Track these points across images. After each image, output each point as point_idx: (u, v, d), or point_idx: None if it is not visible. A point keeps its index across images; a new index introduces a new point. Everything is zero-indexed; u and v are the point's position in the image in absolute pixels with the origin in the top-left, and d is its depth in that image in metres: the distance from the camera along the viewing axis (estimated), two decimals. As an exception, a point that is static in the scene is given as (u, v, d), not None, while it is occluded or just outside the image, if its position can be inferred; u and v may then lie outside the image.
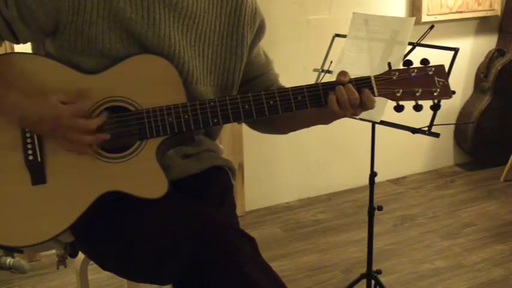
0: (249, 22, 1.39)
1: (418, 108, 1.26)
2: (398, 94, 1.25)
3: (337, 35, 2.08)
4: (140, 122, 1.23)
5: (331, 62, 1.97)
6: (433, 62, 1.26)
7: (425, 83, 1.25)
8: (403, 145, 3.36)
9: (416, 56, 1.38)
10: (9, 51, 2.08)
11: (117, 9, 1.23)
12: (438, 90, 1.25)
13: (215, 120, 1.24)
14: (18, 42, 1.27)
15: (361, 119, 1.80)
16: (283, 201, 3.16)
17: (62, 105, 1.18)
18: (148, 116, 1.23)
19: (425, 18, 3.12)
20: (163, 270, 1.18)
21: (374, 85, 1.25)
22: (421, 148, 3.50)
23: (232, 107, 1.24)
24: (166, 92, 1.24)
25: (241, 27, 1.37)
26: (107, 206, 1.24)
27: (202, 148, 1.42)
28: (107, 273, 1.38)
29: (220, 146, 1.53)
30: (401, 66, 1.27)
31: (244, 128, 1.53)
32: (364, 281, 2.14)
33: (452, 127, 3.55)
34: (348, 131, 3.03)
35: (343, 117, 1.26)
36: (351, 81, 1.24)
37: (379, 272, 2.14)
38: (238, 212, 2.04)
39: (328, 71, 1.99)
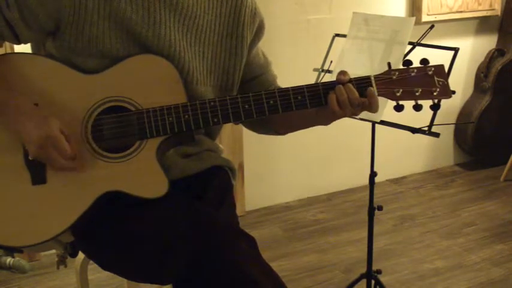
0: (249, 22, 1.39)
1: (417, 108, 1.26)
2: (398, 94, 1.25)
3: (337, 35, 2.08)
4: (140, 121, 1.23)
5: (331, 61, 1.97)
6: (433, 62, 1.26)
7: (425, 82, 1.25)
8: (403, 145, 3.36)
9: (417, 56, 1.38)
10: (9, 51, 2.08)
11: (117, 10, 1.23)
12: (438, 90, 1.25)
13: (215, 120, 1.24)
14: (19, 43, 1.28)
15: (361, 119, 1.80)
16: (283, 201, 3.16)
17: (59, 130, 1.18)
18: (149, 116, 1.23)
19: (425, 18, 3.12)
20: (164, 270, 1.18)
21: (374, 85, 1.25)
22: (421, 148, 3.50)
23: (233, 107, 1.24)
24: (166, 92, 1.24)
25: (240, 28, 1.37)
26: (107, 206, 1.24)
27: (203, 148, 1.42)
28: (107, 273, 1.38)
29: (220, 146, 1.53)
30: (401, 66, 1.27)
31: (245, 128, 1.53)
32: (364, 281, 2.14)
33: (452, 127, 3.55)
34: (348, 131, 3.03)
35: (343, 117, 1.26)
36: (350, 80, 1.25)
37: (379, 272, 2.14)
38: (238, 212, 2.04)
39: (328, 71, 1.99)
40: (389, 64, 1.27)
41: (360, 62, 1.87)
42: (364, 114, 1.32)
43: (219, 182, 1.41)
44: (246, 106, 1.24)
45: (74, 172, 1.22)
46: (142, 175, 1.23)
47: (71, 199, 1.22)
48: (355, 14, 1.93)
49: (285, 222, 2.95)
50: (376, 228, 2.21)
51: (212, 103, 1.24)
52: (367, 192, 2.07)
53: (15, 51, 1.99)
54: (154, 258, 1.19)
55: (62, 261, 1.50)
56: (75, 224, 1.22)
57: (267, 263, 1.19)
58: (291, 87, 1.26)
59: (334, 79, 1.26)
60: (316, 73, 2.04)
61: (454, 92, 1.29)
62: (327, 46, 2.07)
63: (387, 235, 2.78)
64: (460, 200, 3.16)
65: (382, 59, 1.80)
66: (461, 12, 3.24)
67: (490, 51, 3.41)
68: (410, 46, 1.79)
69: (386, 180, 3.41)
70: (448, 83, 1.26)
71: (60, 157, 1.18)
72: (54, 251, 1.48)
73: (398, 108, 1.27)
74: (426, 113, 1.36)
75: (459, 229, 2.84)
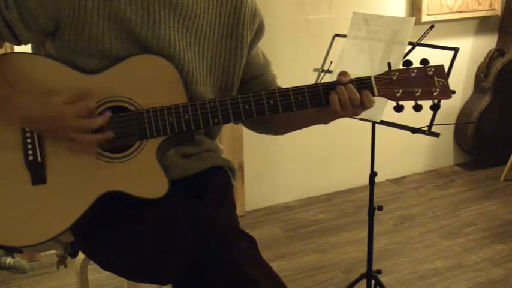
0: (249, 22, 1.39)
1: (417, 108, 1.26)
2: (398, 94, 1.25)
3: (337, 35, 2.08)
4: (140, 122, 1.23)
5: (331, 62, 1.97)
6: (433, 62, 1.26)
7: (425, 83, 1.25)
8: (403, 145, 3.36)
9: (417, 56, 1.38)
10: (9, 51, 2.08)
11: (117, 10, 1.23)
12: (438, 90, 1.25)
13: (216, 120, 1.24)
14: (19, 43, 1.28)
15: (361, 119, 1.80)
16: (283, 201, 3.16)
17: (65, 105, 1.19)
18: (149, 116, 1.23)
19: (425, 18, 3.12)
20: (164, 270, 1.18)
21: (374, 85, 1.25)
22: (421, 148, 3.50)
23: (233, 107, 1.24)
24: (166, 92, 1.24)
25: (240, 28, 1.37)
26: (107, 206, 1.24)
27: (203, 148, 1.42)
28: (107, 273, 1.38)
29: (220, 146, 1.53)
30: (401, 67, 1.27)
31: (245, 128, 1.53)
32: (364, 281, 2.14)
33: (452, 127, 3.55)
34: (348, 131, 3.03)
35: (343, 117, 1.27)
36: (351, 81, 1.25)
37: (379, 272, 2.14)
38: (238, 212, 2.04)
39: (328, 71, 1.99)
40: (389, 64, 1.28)
41: (360, 62, 1.87)
42: (364, 114, 1.32)
43: (219, 182, 1.41)
44: (247, 106, 1.24)
45: (74, 172, 1.22)
46: (143, 175, 1.23)
47: (71, 199, 1.22)
48: (355, 14, 1.93)
49: (285, 222, 2.95)
50: (376, 228, 2.21)
51: (212, 103, 1.24)
52: (367, 192, 2.07)
53: (15, 51, 1.99)
54: (154, 258, 1.19)
55: (62, 261, 1.50)
56: (75, 224, 1.22)
57: (267, 263, 1.19)
58: (291, 87, 1.26)
59: (334, 79, 1.26)
60: (316, 73, 2.04)
61: (454, 92, 1.29)
62: (327, 46, 2.07)
63: (387, 235, 2.78)
64: (460, 200, 3.16)
65: (382, 59, 1.80)
66: (461, 12, 3.24)
67: (490, 51, 3.41)
68: (410, 46, 1.79)
69: (386, 180, 3.41)
70: (448, 83, 1.26)
71: (82, 123, 1.18)
72: (54, 251, 1.48)
73: (398, 108, 1.27)
74: (426, 113, 1.36)
75: (459, 229, 2.84)
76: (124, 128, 1.23)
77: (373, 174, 2.04)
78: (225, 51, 1.37)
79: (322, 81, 1.94)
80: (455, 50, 1.75)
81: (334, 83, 1.25)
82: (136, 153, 1.23)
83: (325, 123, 1.35)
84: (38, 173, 1.22)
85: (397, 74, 1.25)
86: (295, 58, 2.91)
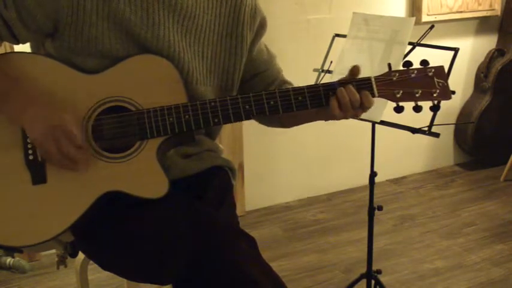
0: (249, 21, 1.39)
1: (417, 109, 1.26)
2: (398, 95, 1.25)
3: (337, 35, 2.08)
4: (141, 122, 1.23)
5: (331, 62, 1.97)
6: (433, 62, 1.26)
7: (425, 84, 1.25)
8: (403, 145, 3.36)
9: (417, 56, 1.38)
10: (9, 50, 2.08)
11: (116, 11, 1.23)
12: (438, 91, 1.25)
13: (216, 120, 1.24)
14: (18, 43, 1.28)
15: (361, 119, 1.79)
16: (283, 201, 3.16)
17: (67, 117, 1.18)
18: (149, 116, 1.23)
19: (425, 18, 3.12)
20: (164, 270, 1.18)
21: (374, 86, 1.25)
22: (421, 148, 3.50)
23: (233, 107, 1.24)
24: (166, 92, 1.24)
25: (240, 27, 1.37)
26: (107, 206, 1.24)
27: (203, 148, 1.42)
28: (107, 273, 1.38)
29: (220, 146, 1.54)
30: (401, 67, 1.28)
31: (244, 128, 1.53)
32: (364, 281, 2.14)
33: (452, 127, 3.55)
34: (348, 131, 3.03)
35: (343, 119, 1.27)
36: (351, 82, 1.25)
37: (379, 272, 2.14)
38: (238, 212, 2.04)
39: (328, 71, 1.99)
40: (389, 65, 1.28)
41: (360, 62, 1.86)
42: (364, 114, 1.32)
43: (219, 182, 1.41)
44: (247, 106, 1.24)
45: (74, 172, 1.22)
46: (143, 175, 1.23)
47: (71, 199, 1.22)
48: (355, 14, 1.93)
49: (285, 222, 2.95)
50: (376, 228, 2.22)
51: (213, 103, 1.24)
52: (367, 192, 2.07)
53: (15, 50, 1.99)
54: (154, 258, 1.19)
55: (62, 261, 1.50)
56: (75, 224, 1.22)
57: (267, 263, 1.20)
58: (292, 87, 1.26)
59: (334, 79, 1.26)
60: (316, 73, 2.04)
61: (453, 93, 1.29)
62: (327, 46, 2.07)
63: (387, 235, 2.78)
64: (460, 200, 3.16)
65: (382, 59, 1.80)
66: (461, 12, 3.24)
67: (490, 51, 3.41)
68: (410, 46, 1.79)
69: (386, 180, 3.41)
70: (448, 84, 1.26)
71: (70, 144, 1.17)
72: (54, 251, 1.49)
73: (399, 109, 1.27)
74: (426, 113, 1.36)
75: (459, 229, 2.84)
76: (124, 128, 1.23)
77: (373, 174, 2.04)
78: (225, 51, 1.37)
79: (323, 81, 1.94)
80: (455, 50, 1.75)
81: (334, 83, 1.25)
82: (137, 153, 1.23)
83: (327, 120, 1.35)
84: (38, 173, 1.22)
85: (397, 74, 1.25)
86: (295, 58, 2.91)
